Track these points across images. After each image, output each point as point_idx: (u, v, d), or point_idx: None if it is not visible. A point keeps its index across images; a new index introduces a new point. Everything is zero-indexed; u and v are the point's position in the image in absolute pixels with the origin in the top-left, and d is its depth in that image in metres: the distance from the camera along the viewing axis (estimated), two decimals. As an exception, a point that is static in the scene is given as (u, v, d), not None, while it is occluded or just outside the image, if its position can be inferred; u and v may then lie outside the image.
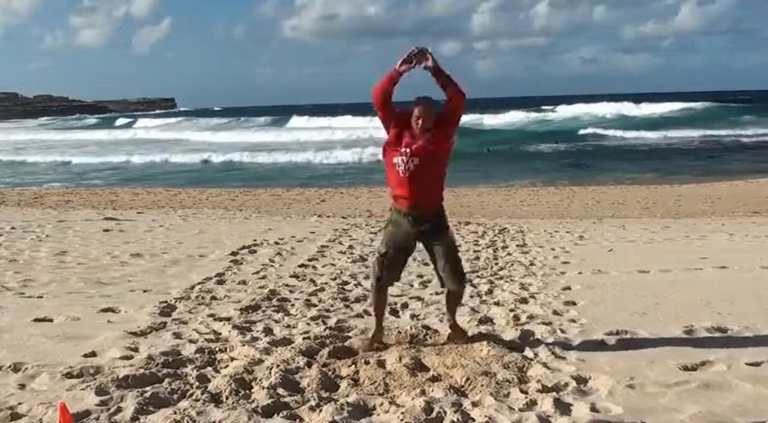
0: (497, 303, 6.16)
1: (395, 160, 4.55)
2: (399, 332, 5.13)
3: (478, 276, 7.47)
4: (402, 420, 3.57)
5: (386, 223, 4.91)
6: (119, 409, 3.69)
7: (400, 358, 4.45)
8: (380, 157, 4.78)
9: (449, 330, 4.96)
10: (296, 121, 68.17)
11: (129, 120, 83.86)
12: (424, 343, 4.89)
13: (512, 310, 5.84)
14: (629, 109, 60.90)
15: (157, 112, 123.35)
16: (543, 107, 71.73)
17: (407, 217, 4.63)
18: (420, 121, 4.49)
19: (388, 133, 4.63)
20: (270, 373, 4.22)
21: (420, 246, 4.85)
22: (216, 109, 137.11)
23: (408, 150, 4.50)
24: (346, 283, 7.15)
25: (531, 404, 3.76)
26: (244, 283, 7.13)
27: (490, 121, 57.60)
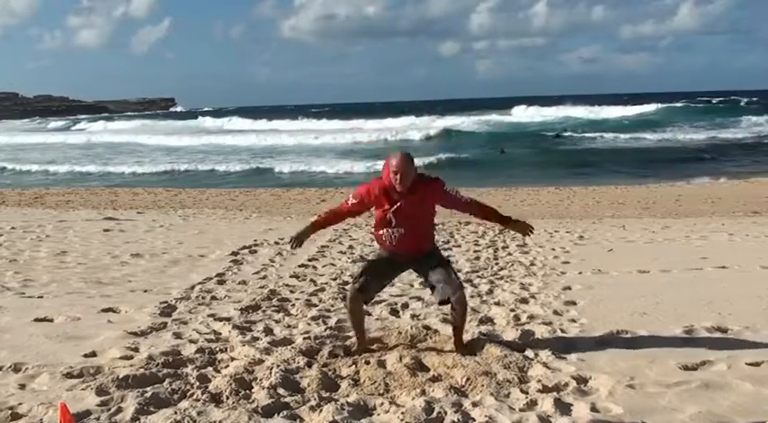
0: (498, 303, 6.16)
1: (380, 232, 4.57)
2: (399, 332, 5.14)
3: (479, 276, 7.48)
4: (402, 420, 3.57)
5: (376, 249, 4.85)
6: (119, 410, 3.70)
7: (401, 358, 4.45)
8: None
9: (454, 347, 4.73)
10: (239, 122, 64.77)
11: (90, 123, 78.79)
12: (424, 343, 4.89)
13: (512, 310, 5.84)
14: (583, 112, 59.84)
15: (157, 111, 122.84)
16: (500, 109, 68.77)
17: (396, 257, 4.65)
18: (399, 177, 4.37)
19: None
20: (270, 373, 4.22)
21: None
22: (207, 109, 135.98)
23: (393, 216, 4.47)
24: (346, 283, 7.14)
25: (532, 404, 3.77)
26: (244, 283, 7.13)
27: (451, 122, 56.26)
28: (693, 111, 59.57)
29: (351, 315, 4.75)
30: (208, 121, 68.78)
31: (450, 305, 4.58)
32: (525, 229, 4.65)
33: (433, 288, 4.65)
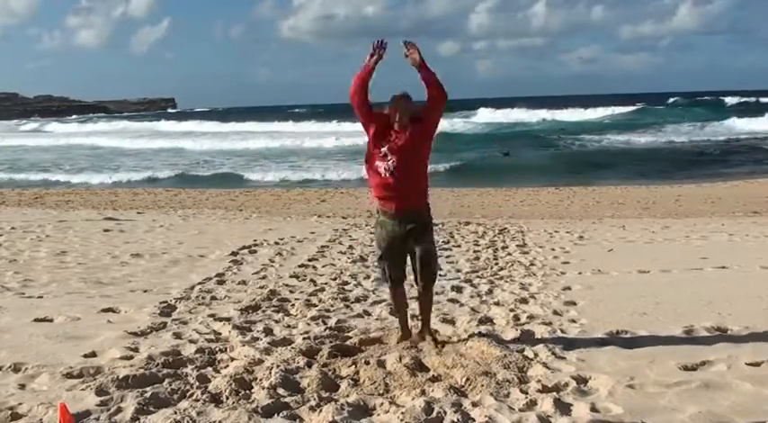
0: (497, 303, 6.16)
1: (376, 163, 4.59)
2: (399, 332, 5.14)
3: (478, 276, 7.48)
4: (402, 420, 3.57)
5: (374, 224, 4.95)
6: (119, 410, 3.70)
7: (400, 358, 4.45)
8: (364, 172, 4.83)
9: (416, 332, 4.96)
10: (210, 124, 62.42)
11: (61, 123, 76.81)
12: (424, 343, 4.88)
13: (512, 310, 5.84)
14: (553, 114, 58.71)
15: (158, 112, 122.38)
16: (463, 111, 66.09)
17: (393, 218, 4.67)
18: (397, 115, 4.52)
19: (368, 134, 4.65)
20: (270, 373, 4.22)
21: None
22: (199, 109, 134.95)
23: (387, 150, 4.53)
24: (346, 283, 7.15)
25: (532, 404, 3.76)
26: (244, 283, 7.13)
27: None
28: (659, 113, 58.57)
29: (395, 304, 5.07)
30: (163, 124, 65.62)
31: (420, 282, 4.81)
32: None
33: (415, 268, 4.79)
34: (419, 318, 5.05)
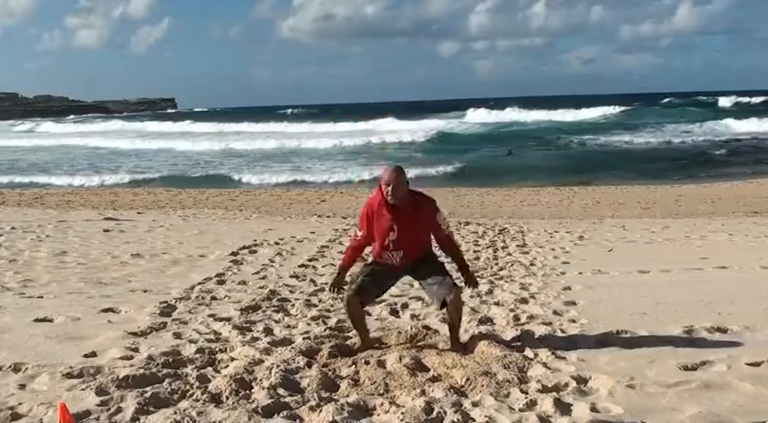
0: (497, 303, 6.16)
1: (381, 251, 4.67)
2: (399, 332, 5.14)
3: (479, 276, 7.45)
4: (402, 420, 3.56)
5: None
6: (119, 410, 3.70)
7: (400, 358, 4.45)
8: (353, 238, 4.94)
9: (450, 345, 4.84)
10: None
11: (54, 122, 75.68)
12: (424, 343, 4.89)
13: (512, 310, 5.84)
14: (534, 116, 57.99)
15: (158, 112, 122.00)
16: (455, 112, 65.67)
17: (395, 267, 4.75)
18: (390, 189, 4.49)
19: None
20: (270, 373, 4.22)
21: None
22: (198, 110, 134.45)
23: (391, 245, 4.60)
24: (346, 283, 7.13)
25: (532, 404, 3.76)
26: (244, 283, 7.14)
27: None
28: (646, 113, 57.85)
29: (350, 318, 4.82)
30: (155, 125, 64.09)
31: (446, 307, 4.65)
32: (472, 281, 4.89)
33: (428, 290, 4.75)
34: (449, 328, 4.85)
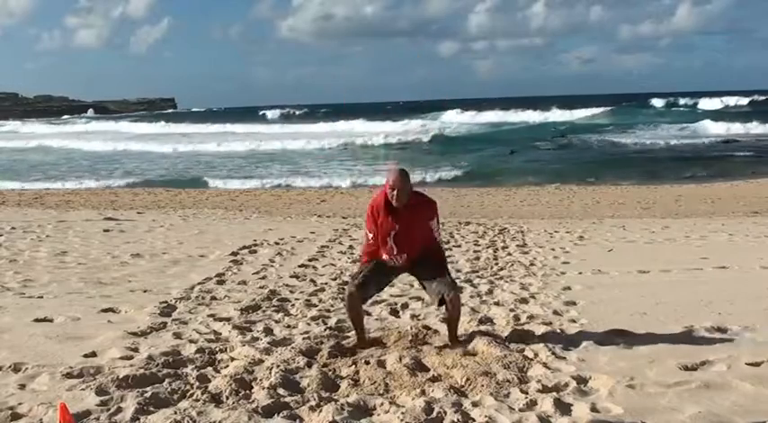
0: (497, 303, 6.16)
1: (384, 253, 4.72)
2: (399, 332, 5.14)
3: (478, 276, 7.48)
4: (402, 420, 3.56)
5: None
6: (119, 410, 3.70)
7: (400, 358, 4.45)
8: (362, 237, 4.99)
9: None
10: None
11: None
12: (424, 343, 4.89)
13: (512, 310, 5.84)
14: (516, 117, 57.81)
15: (157, 112, 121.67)
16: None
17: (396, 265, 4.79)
18: (395, 193, 4.56)
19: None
20: (270, 373, 4.22)
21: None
22: (196, 110, 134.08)
23: (393, 244, 4.66)
24: (346, 283, 7.13)
25: (532, 404, 3.76)
26: (244, 283, 7.13)
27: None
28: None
29: (349, 313, 4.87)
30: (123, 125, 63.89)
31: (445, 305, 4.74)
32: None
33: (427, 288, 4.80)
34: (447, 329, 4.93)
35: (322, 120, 59.62)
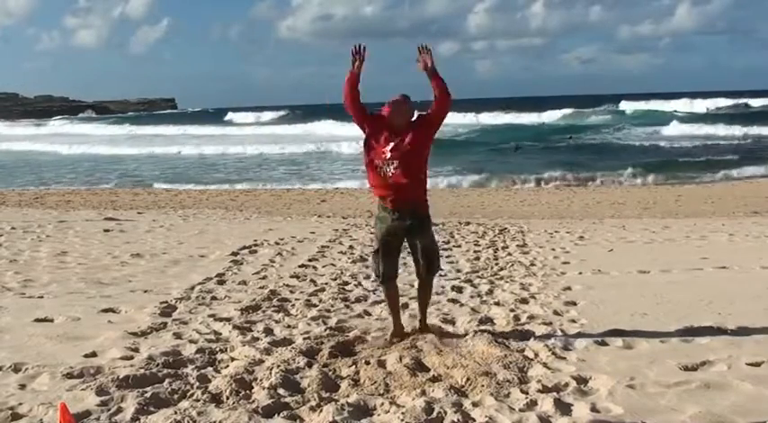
0: (498, 303, 6.16)
1: (375, 162, 4.66)
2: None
3: (479, 276, 7.48)
4: (402, 420, 3.57)
5: (374, 220, 5.04)
6: (119, 410, 3.70)
7: (400, 358, 4.45)
8: (362, 152, 4.86)
9: (417, 325, 5.11)
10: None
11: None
12: (424, 343, 4.88)
13: (512, 311, 5.84)
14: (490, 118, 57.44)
15: (164, 112, 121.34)
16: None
17: (392, 213, 4.75)
18: (393, 116, 4.61)
19: (364, 133, 4.74)
20: (270, 373, 4.22)
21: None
22: (194, 110, 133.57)
23: (387, 154, 4.61)
24: (347, 283, 7.15)
25: (532, 404, 3.76)
26: (244, 283, 7.14)
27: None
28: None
29: (388, 300, 5.10)
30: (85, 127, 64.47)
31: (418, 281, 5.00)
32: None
33: (413, 254, 4.92)
34: (418, 317, 5.14)
35: (296, 121, 59.40)
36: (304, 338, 5.04)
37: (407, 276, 6.25)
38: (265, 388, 4.01)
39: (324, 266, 8.12)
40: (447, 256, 8.55)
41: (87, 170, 30.72)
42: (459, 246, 9.63)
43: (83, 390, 3.96)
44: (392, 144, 4.61)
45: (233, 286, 7.00)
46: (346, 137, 37.86)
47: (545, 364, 4.39)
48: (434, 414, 3.64)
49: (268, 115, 77.12)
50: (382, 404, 3.81)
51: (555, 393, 3.90)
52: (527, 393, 3.91)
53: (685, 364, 4.34)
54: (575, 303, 6.06)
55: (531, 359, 4.49)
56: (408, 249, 5.02)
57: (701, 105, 64.84)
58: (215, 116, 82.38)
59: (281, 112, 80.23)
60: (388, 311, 5.16)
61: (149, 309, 5.90)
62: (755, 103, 67.12)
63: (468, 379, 4.12)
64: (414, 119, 4.73)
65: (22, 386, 4.06)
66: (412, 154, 4.62)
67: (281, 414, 3.69)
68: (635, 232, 10.90)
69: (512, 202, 17.90)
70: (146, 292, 6.70)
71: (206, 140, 45.07)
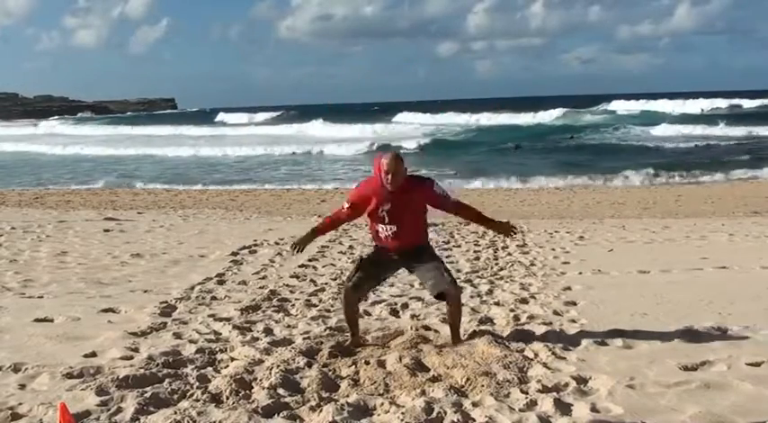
0: (497, 303, 6.16)
1: (376, 225, 4.68)
2: (399, 332, 5.14)
3: (479, 276, 7.48)
4: (402, 420, 3.56)
5: (373, 249, 4.95)
6: (119, 410, 3.70)
7: (400, 358, 4.45)
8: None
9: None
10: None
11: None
12: (424, 343, 4.89)
13: (512, 311, 5.84)
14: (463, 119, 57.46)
15: (159, 112, 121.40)
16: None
17: (392, 254, 4.76)
18: (389, 177, 4.51)
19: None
20: (270, 373, 4.22)
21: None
22: (192, 109, 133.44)
23: (387, 216, 4.60)
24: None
25: (532, 404, 3.76)
26: (244, 283, 7.14)
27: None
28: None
29: (345, 311, 4.90)
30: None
31: (445, 302, 4.76)
32: (508, 230, 4.84)
33: (425, 281, 4.82)
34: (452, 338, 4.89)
35: (288, 122, 59.04)
36: (304, 338, 5.04)
37: (407, 276, 6.25)
38: (265, 388, 4.00)
39: (324, 266, 8.12)
40: (447, 257, 8.55)
41: (72, 170, 30.65)
42: (459, 246, 9.63)
43: (83, 390, 3.96)
44: (388, 207, 4.57)
45: (233, 286, 7.00)
46: (335, 138, 37.94)
47: (545, 364, 4.39)
48: (434, 414, 3.64)
49: (262, 116, 76.94)
50: (382, 404, 3.80)
51: (555, 393, 3.90)
52: (527, 393, 3.91)
53: (685, 364, 4.34)
54: (575, 303, 6.06)
55: (531, 359, 4.49)
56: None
57: (695, 106, 64.73)
58: (210, 116, 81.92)
59: (277, 113, 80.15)
60: (346, 322, 4.98)
61: (149, 309, 5.90)
62: (751, 104, 67.02)
63: (468, 379, 4.12)
64: (410, 180, 4.62)
65: (22, 386, 4.06)
66: (410, 217, 4.64)
67: (281, 414, 3.69)
68: (635, 232, 10.90)
69: (512, 202, 17.90)
70: (146, 292, 6.70)
71: (191, 141, 44.38)
